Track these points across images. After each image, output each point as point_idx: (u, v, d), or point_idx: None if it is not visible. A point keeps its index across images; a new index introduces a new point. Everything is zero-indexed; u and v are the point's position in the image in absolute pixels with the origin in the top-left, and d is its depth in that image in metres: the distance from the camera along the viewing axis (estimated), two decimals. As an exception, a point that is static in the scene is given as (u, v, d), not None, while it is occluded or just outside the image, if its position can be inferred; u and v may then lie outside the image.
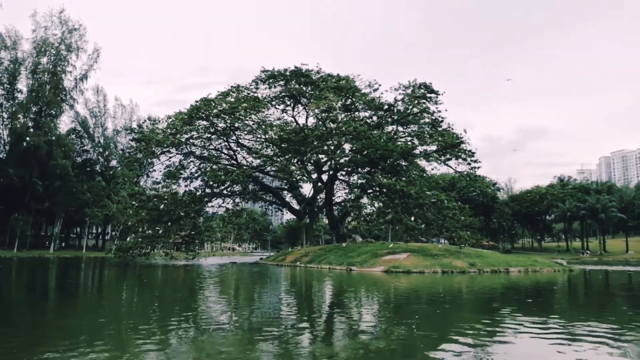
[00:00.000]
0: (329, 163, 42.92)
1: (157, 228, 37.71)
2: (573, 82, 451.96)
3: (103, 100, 78.10)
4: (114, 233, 76.13)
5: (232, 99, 41.72)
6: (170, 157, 43.29)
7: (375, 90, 43.52)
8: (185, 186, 43.28)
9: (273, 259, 46.60)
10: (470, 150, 39.51)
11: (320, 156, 41.09)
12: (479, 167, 40.42)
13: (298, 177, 40.38)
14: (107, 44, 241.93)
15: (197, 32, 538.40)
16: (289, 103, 45.90)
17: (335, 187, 48.33)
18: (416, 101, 39.73)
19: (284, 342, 6.97)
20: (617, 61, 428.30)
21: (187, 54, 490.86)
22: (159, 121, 44.85)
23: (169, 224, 38.10)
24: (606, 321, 9.27)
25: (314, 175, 45.12)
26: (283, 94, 44.58)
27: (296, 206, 50.94)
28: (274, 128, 42.88)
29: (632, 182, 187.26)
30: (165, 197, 39.13)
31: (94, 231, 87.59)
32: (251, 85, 44.62)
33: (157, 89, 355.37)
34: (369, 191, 42.64)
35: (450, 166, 41.41)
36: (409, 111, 40.62)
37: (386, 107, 40.94)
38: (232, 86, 43.98)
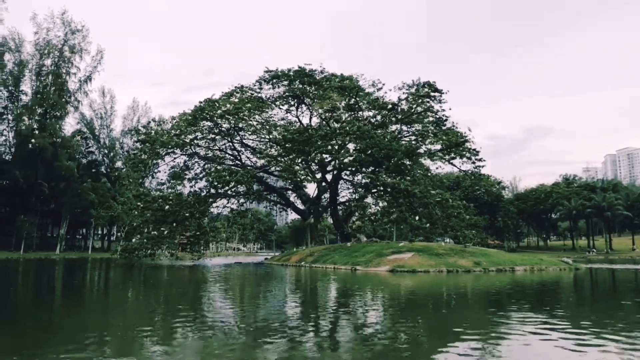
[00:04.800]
0: (333, 163, 42.93)
1: (162, 229, 37.79)
2: (578, 79, 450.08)
3: (110, 101, 78.47)
4: (119, 234, 76.42)
5: (236, 100, 41.77)
6: (174, 158, 43.44)
7: (379, 89, 43.48)
8: (190, 187, 43.41)
9: (278, 259, 46.64)
10: (474, 149, 39.42)
11: (325, 156, 41.07)
12: (483, 166, 40.37)
13: (302, 177, 40.39)
14: (113, 46, 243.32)
15: (202, 32, 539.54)
16: (292, 103, 45.88)
17: (339, 186, 48.33)
18: (420, 100, 39.65)
19: (289, 342, 6.97)
20: (623, 58, 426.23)
21: (192, 54, 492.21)
22: (164, 122, 44.91)
23: (174, 224, 38.19)
24: (613, 321, 9.21)
25: (318, 175, 45.10)
26: (287, 94, 44.57)
27: (300, 206, 50.96)
28: (278, 128, 42.91)
29: (638, 179, 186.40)
30: (170, 198, 39.23)
31: (100, 232, 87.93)
32: (255, 85, 44.67)
33: (163, 90, 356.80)
34: (373, 191, 42.58)
35: (454, 165, 41.40)
36: (413, 110, 40.55)
37: (390, 106, 40.87)
38: (235, 87, 44.10)
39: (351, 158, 39.82)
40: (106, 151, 78.13)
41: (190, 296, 14.81)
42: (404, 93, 40.35)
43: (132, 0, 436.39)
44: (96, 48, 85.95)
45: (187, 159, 44.29)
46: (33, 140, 61.73)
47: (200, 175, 44.04)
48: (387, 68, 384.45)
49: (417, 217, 36.86)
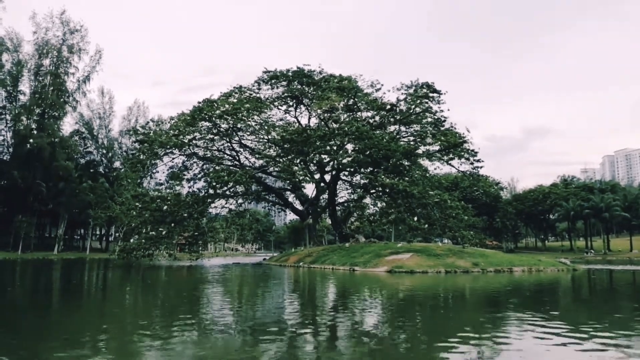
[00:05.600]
0: (331, 163, 42.94)
1: (160, 229, 37.74)
2: (576, 80, 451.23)
3: (109, 102, 78.33)
4: (117, 234, 76.30)
5: (235, 100, 41.74)
6: (173, 159, 43.41)
7: (377, 90, 43.51)
8: (189, 187, 43.39)
9: (276, 259, 46.61)
10: (473, 150, 39.45)
11: (323, 156, 41.09)
12: (481, 167, 40.42)
13: (301, 178, 40.38)
14: (113, 46, 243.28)
15: (202, 32, 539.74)
16: (291, 103, 45.89)
17: (338, 187, 48.34)
18: (418, 101, 39.68)
19: (287, 343, 6.97)
20: (620, 59, 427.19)
21: (193, 54, 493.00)
22: (162, 122, 44.85)
23: (172, 225, 38.15)
24: (611, 322, 9.23)
25: (317, 176, 45.13)
26: (285, 94, 44.56)
27: (299, 207, 50.95)
28: (277, 129, 42.90)
29: (636, 180, 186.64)
30: (169, 198, 39.19)
31: (98, 233, 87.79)
32: (253, 86, 44.64)
33: (163, 90, 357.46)
34: (371, 191, 42.60)
35: (453, 166, 41.43)
36: (411, 111, 40.57)
37: (388, 107, 40.88)
38: (234, 87, 44.08)
39: (350, 158, 39.84)
40: (104, 151, 77.98)
41: (188, 296, 14.79)
42: (402, 94, 40.42)
43: (134, 1, 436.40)
44: (95, 48, 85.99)
45: (186, 159, 44.29)
46: (31, 140, 61.60)
47: (199, 176, 44.03)
48: (386, 69, 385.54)
49: (415, 218, 36.91)
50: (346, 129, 38.15)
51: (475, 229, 40.99)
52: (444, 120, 41.11)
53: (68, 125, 73.67)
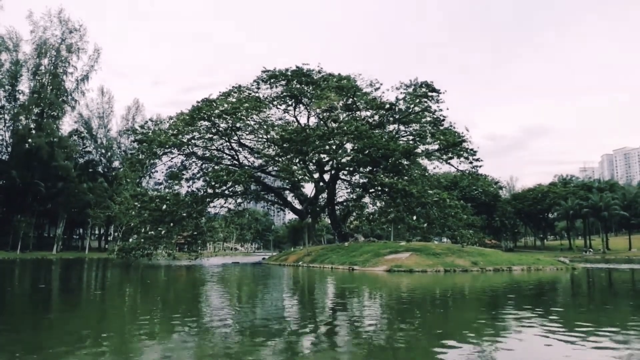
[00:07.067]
0: (330, 163, 42.92)
1: (159, 229, 37.71)
2: (576, 79, 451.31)
3: (108, 101, 78.30)
4: (116, 234, 76.24)
5: (234, 99, 41.68)
6: (172, 158, 43.40)
7: (376, 89, 43.48)
8: (188, 187, 43.38)
9: (275, 259, 46.62)
10: (472, 149, 39.47)
11: (322, 156, 41.04)
12: (480, 166, 40.44)
13: (300, 177, 40.34)
14: (113, 45, 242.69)
15: (202, 32, 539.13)
16: (290, 103, 45.80)
17: (337, 186, 48.34)
18: (418, 100, 39.69)
19: (286, 342, 6.97)
20: (620, 58, 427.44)
21: (192, 54, 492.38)
22: (161, 122, 44.81)
23: (171, 224, 38.13)
24: (609, 321, 9.24)
25: (316, 175, 45.12)
26: (284, 93, 44.47)
27: (298, 206, 50.95)
28: (276, 128, 42.83)
29: (635, 179, 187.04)
30: (168, 197, 39.16)
31: (97, 232, 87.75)
32: (252, 85, 44.56)
33: (163, 89, 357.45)
34: (370, 190, 42.57)
35: (452, 165, 41.44)
36: (410, 110, 40.57)
37: (387, 106, 40.88)
38: (233, 86, 43.99)
39: (349, 158, 39.81)
40: (103, 151, 77.96)
41: (187, 296, 14.79)
42: (401, 93, 40.44)
43: (134, 0, 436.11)
44: (93, 47, 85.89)
45: (185, 158, 44.29)
46: (30, 140, 61.59)
47: (198, 175, 44.01)
48: (385, 68, 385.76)
49: (414, 217, 36.90)
50: (345, 128, 38.14)
51: (474, 228, 40.97)
52: (443, 120, 41.15)
53: (67, 124, 73.88)
